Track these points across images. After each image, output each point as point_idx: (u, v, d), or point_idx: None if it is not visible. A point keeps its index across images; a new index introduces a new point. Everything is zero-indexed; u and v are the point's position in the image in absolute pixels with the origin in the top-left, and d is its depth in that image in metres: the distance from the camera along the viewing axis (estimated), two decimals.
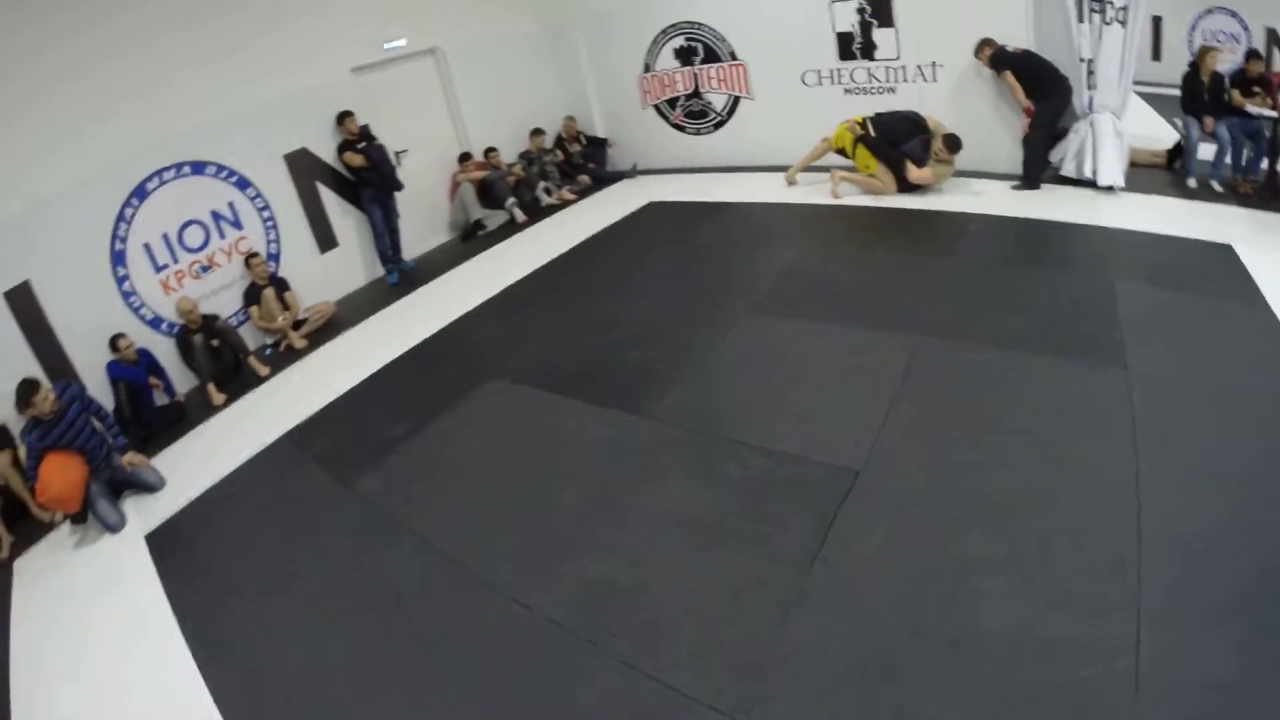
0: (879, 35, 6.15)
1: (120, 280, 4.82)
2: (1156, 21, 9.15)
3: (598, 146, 7.92)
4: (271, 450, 4.00)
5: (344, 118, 5.77)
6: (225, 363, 4.94)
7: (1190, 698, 1.87)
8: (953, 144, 5.71)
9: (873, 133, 5.87)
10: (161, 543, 3.48)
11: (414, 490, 3.40)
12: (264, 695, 2.48)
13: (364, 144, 5.78)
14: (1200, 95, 5.24)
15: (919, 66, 6.05)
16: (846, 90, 6.51)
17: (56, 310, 4.47)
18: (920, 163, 5.76)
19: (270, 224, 5.55)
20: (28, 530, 3.84)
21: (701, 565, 2.59)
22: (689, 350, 4.05)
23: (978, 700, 1.96)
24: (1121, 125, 5.45)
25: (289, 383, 4.82)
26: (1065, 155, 5.64)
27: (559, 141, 7.77)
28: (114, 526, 3.64)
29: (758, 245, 5.48)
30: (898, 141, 5.81)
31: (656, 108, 7.71)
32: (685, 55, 7.28)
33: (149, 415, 4.59)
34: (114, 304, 4.79)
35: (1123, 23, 5.22)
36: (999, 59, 5.50)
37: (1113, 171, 5.34)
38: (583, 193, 7.48)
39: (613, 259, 5.70)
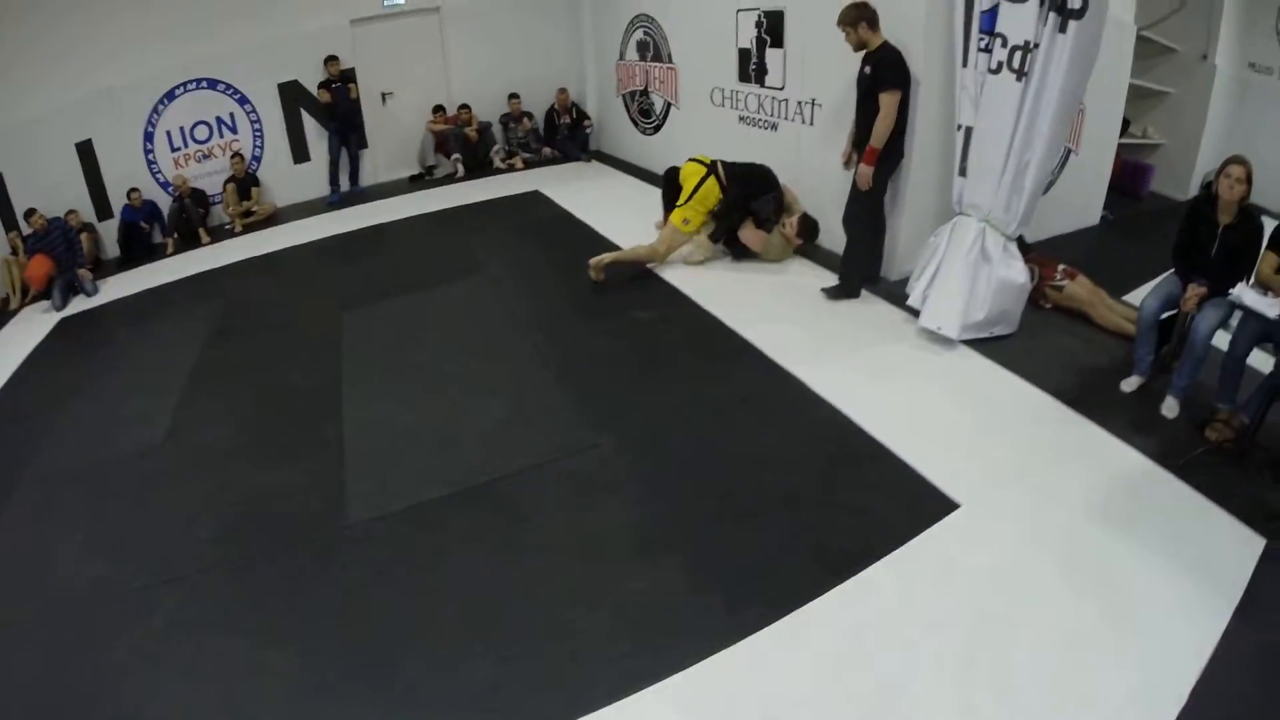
0: (770, 57, 5.54)
1: (147, 152, 7.33)
2: None
3: (579, 123, 8.59)
4: (169, 289, 6.14)
5: (329, 60, 7.56)
6: (189, 226, 7.26)
7: None
8: (809, 230, 5.15)
9: (723, 179, 5.07)
10: (66, 325, 5.81)
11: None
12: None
13: (336, 85, 7.56)
14: (1202, 240, 3.40)
15: (799, 103, 5.34)
16: (741, 118, 6.08)
17: (105, 163, 7.05)
18: (763, 224, 5.14)
19: (259, 134, 7.71)
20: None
21: None
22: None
23: None
24: (1003, 250, 3.94)
25: (216, 250, 6.99)
26: (916, 269, 4.32)
27: (550, 112, 8.60)
28: (56, 307, 6.10)
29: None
30: (751, 194, 5.10)
31: (623, 97, 8.11)
32: (643, 49, 7.53)
33: (139, 246, 7.08)
34: (140, 167, 7.28)
35: (1018, 73, 3.64)
36: (889, 64, 4.10)
37: (943, 314, 3.97)
38: (541, 164, 8.42)
39: (447, 225, 6.86)
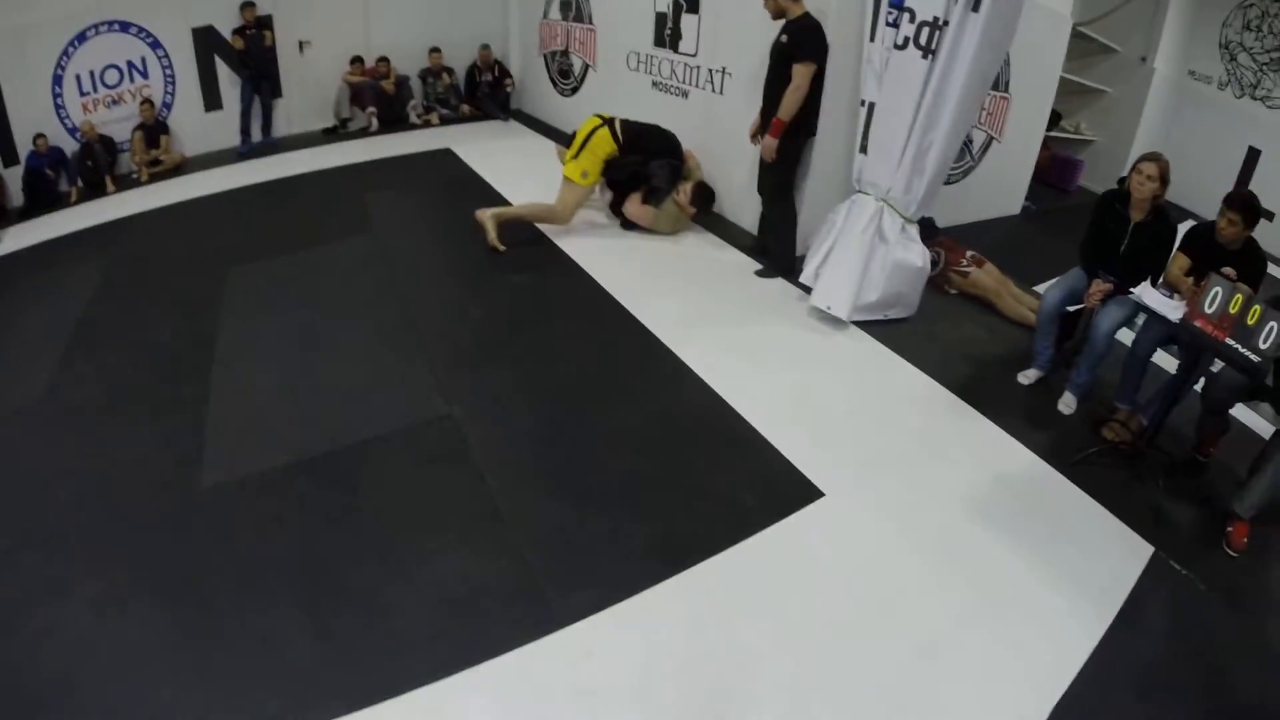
0: (686, 22, 5.43)
1: (55, 96, 6.84)
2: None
3: (500, 82, 8.40)
4: (67, 240, 5.79)
5: (245, 6, 7.13)
6: (94, 174, 6.85)
7: None
8: (703, 198, 5.00)
9: (620, 135, 4.77)
10: None
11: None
12: None
13: (251, 31, 7.16)
14: (1111, 235, 3.29)
15: (710, 70, 5.24)
16: (654, 83, 5.93)
17: (12, 106, 6.57)
18: (654, 197, 4.89)
19: (170, 79, 7.27)
20: None
21: None
22: None
23: None
24: (900, 232, 3.80)
25: (120, 199, 6.58)
26: (812, 247, 4.14)
27: (472, 69, 8.41)
28: None
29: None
30: (646, 156, 4.86)
31: (544, 57, 7.93)
32: (565, 9, 7.27)
33: (44, 194, 6.63)
34: (49, 112, 6.80)
35: (925, 50, 3.49)
36: (807, 33, 3.92)
37: (834, 293, 3.85)
38: (458, 121, 8.21)
39: (349, 180, 6.57)
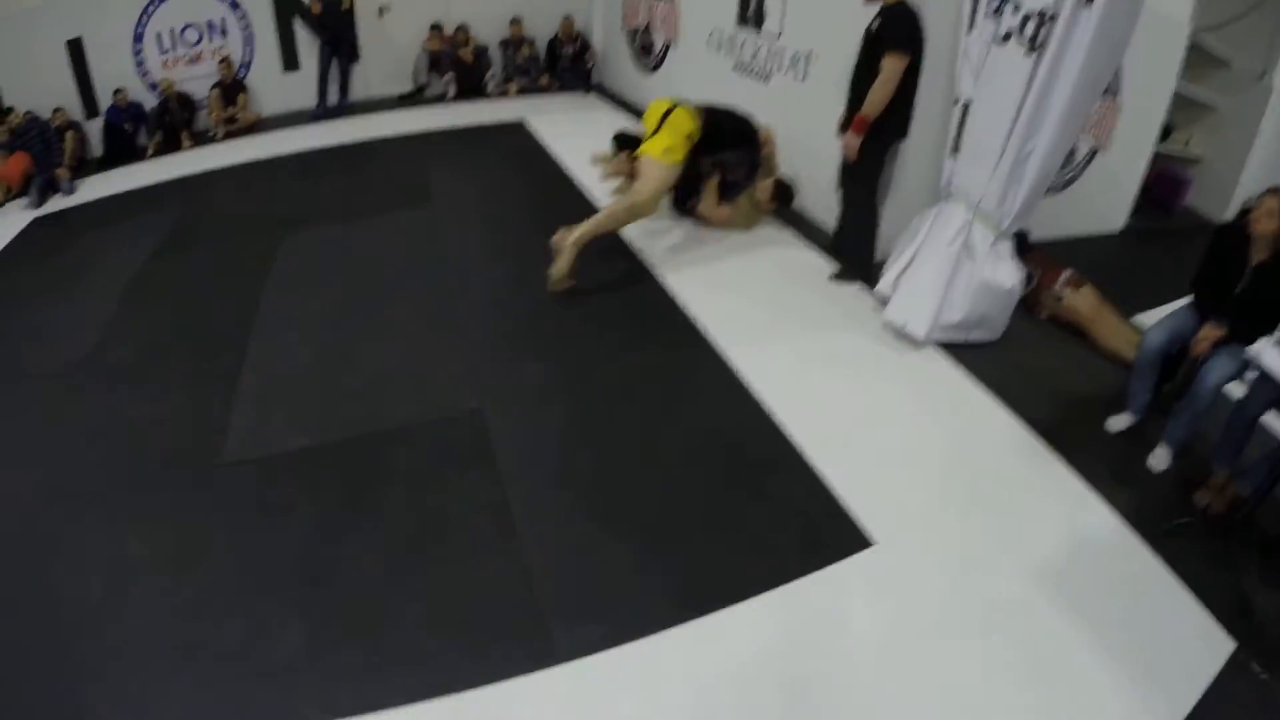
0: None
1: (136, 53, 6.98)
2: None
3: (581, 55, 8.13)
4: (139, 194, 5.89)
5: None
6: (171, 129, 6.95)
7: None
8: (784, 195, 4.64)
9: (697, 117, 4.20)
10: (38, 225, 5.54)
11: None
12: None
13: None
14: (1228, 275, 2.85)
15: (795, 53, 4.77)
16: (735, 65, 5.49)
17: (95, 62, 6.74)
18: (730, 193, 4.49)
19: (249, 39, 7.31)
20: None
21: None
22: None
23: None
24: (990, 247, 3.39)
25: (195, 155, 6.68)
26: (894, 253, 3.75)
27: (553, 41, 8.16)
28: (32, 205, 5.82)
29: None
30: (722, 147, 4.38)
31: (627, 31, 7.63)
32: None
33: (122, 147, 6.78)
34: (129, 68, 6.96)
35: (1030, 46, 3.09)
36: (900, 22, 3.54)
37: (912, 309, 3.48)
38: (536, 92, 8.01)
39: (417, 149, 6.46)
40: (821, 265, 4.30)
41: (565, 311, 3.85)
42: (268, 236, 4.75)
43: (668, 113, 4.18)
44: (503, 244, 4.67)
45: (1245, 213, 2.88)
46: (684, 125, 4.16)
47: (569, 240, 3.89)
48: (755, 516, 2.55)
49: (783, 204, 4.74)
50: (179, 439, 3.03)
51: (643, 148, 4.24)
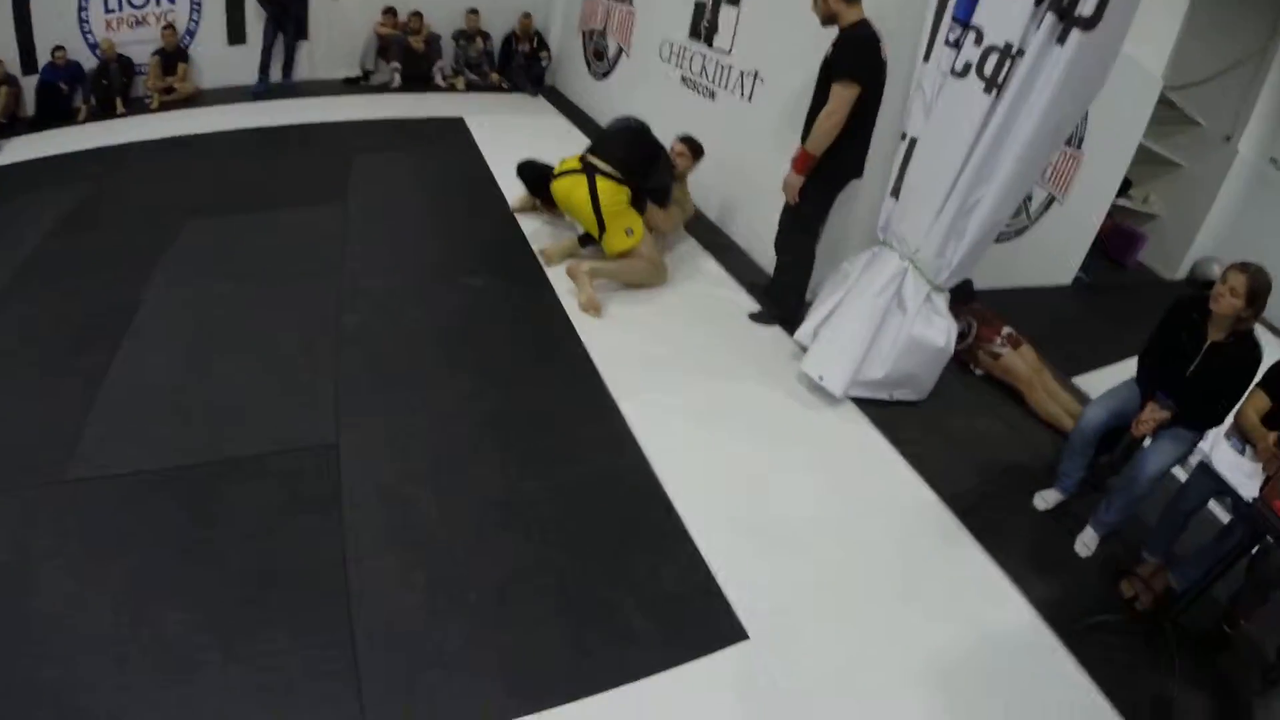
0: (724, 15, 4.80)
1: (81, 10, 6.61)
2: None
3: (536, 54, 7.89)
4: (59, 160, 5.56)
5: None
6: (108, 94, 6.56)
7: None
8: (695, 150, 4.34)
9: (610, 172, 3.84)
10: None
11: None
12: None
13: None
14: (1181, 351, 2.63)
15: (742, 73, 4.63)
16: (684, 79, 5.33)
17: (38, 15, 6.36)
18: (666, 197, 4.19)
19: (196, 6, 6.95)
20: None
21: None
22: None
23: None
24: (924, 301, 3.17)
25: (126, 124, 6.31)
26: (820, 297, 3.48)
27: (509, 37, 7.90)
28: None
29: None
30: (648, 177, 4.00)
31: (583, 35, 7.38)
32: None
33: (55, 108, 6.41)
34: (72, 25, 6.58)
35: (989, 83, 2.81)
36: (852, 48, 3.17)
37: (830, 362, 3.20)
38: (485, 89, 7.77)
39: (346, 138, 6.18)
40: (743, 303, 4.05)
41: (458, 332, 3.55)
42: (169, 224, 4.39)
43: (593, 191, 3.84)
44: (405, 256, 4.31)
45: (1205, 285, 2.68)
46: (618, 200, 3.90)
47: (583, 269, 3.77)
48: (618, 594, 2.26)
49: (698, 155, 4.41)
50: (26, 452, 2.67)
51: (606, 247, 3.99)
